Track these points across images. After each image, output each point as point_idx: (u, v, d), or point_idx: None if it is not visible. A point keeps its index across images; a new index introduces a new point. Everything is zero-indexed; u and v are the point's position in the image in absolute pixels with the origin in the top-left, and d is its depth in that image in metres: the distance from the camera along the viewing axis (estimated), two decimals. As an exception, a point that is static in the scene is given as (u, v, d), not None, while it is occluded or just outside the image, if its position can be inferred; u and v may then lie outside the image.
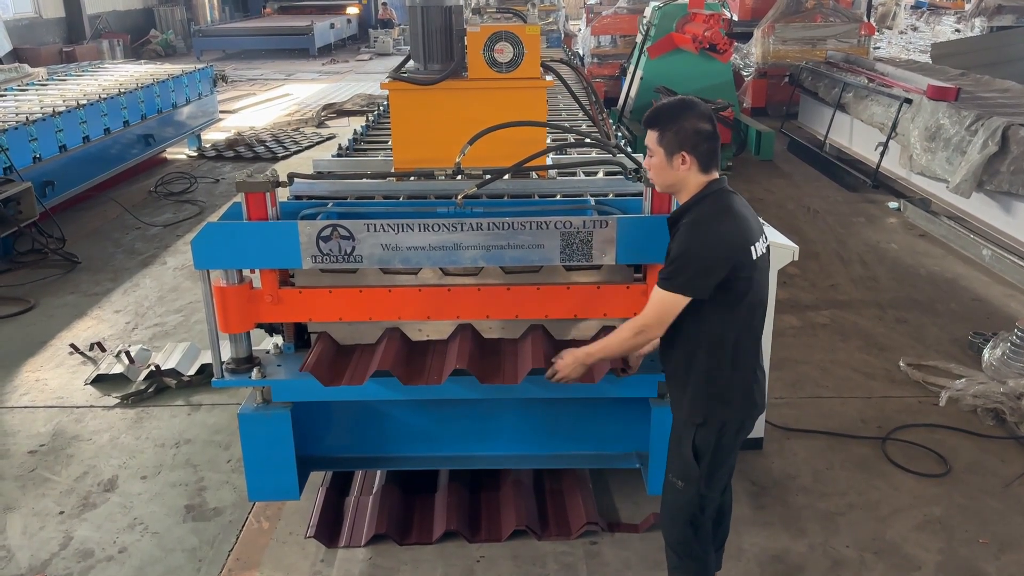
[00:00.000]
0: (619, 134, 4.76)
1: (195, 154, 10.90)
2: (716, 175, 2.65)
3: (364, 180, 3.79)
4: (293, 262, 3.14)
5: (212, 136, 11.58)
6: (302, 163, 10.03)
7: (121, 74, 10.27)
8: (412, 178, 3.75)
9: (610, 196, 3.50)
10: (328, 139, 11.46)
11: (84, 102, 8.29)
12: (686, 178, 2.62)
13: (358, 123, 6.48)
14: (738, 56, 12.64)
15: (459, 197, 3.17)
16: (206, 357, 5.03)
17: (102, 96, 8.62)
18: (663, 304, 2.59)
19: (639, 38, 10.87)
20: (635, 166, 3.39)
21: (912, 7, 25.00)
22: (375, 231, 3.09)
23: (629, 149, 3.91)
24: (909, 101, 7.84)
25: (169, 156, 10.65)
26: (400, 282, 3.31)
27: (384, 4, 25.42)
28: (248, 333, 3.35)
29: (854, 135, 9.23)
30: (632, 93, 10.50)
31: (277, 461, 3.34)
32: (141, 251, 7.31)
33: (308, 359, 3.23)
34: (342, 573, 3.36)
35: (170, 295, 6.30)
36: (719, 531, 2.99)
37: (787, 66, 11.41)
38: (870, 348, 5.23)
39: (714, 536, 2.97)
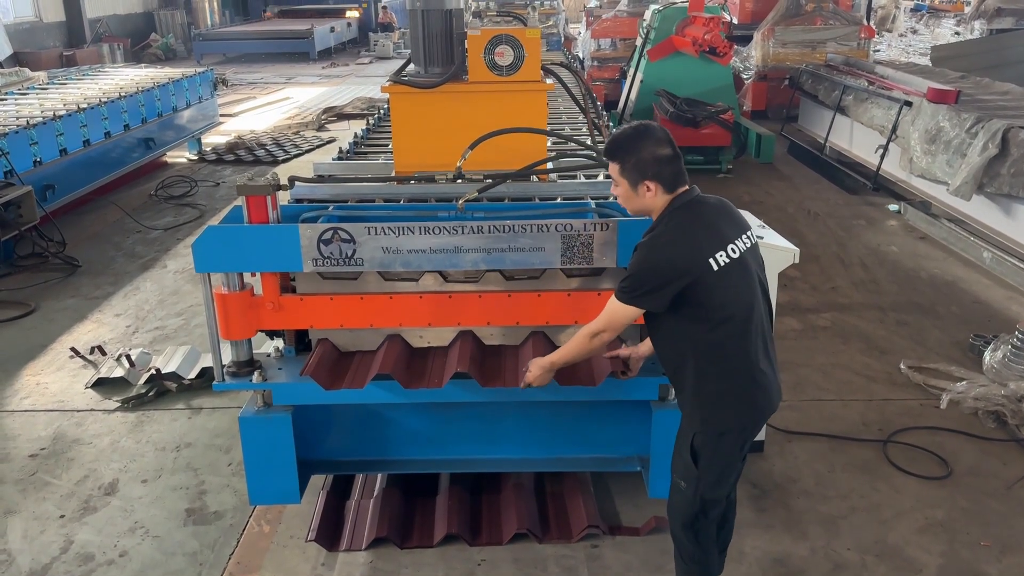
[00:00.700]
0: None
1: (195, 158, 10.91)
2: (683, 188, 2.67)
3: (365, 183, 3.79)
4: (294, 265, 3.14)
5: (212, 140, 11.59)
6: (303, 166, 10.03)
7: (121, 78, 10.28)
8: (413, 181, 3.75)
9: (611, 199, 3.50)
10: (328, 143, 11.47)
11: (84, 106, 8.29)
12: (653, 203, 2.67)
13: (358, 126, 6.49)
14: (738, 59, 12.64)
15: (460, 202, 3.17)
16: (207, 361, 5.03)
17: (102, 100, 8.62)
18: (614, 313, 2.69)
19: (639, 41, 10.89)
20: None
21: (912, 10, 25.04)
22: (376, 234, 3.09)
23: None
24: (909, 104, 7.85)
25: (169, 160, 10.65)
26: (401, 289, 3.30)
27: (384, 8, 25.45)
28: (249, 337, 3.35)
29: (854, 138, 9.23)
30: (632, 96, 10.51)
31: (278, 464, 3.34)
32: (142, 254, 7.32)
33: (308, 363, 3.23)
34: (343, 577, 3.36)
35: (171, 298, 6.30)
36: (722, 534, 2.99)
37: (787, 69, 11.42)
38: (871, 351, 5.22)
39: (716, 539, 2.97)
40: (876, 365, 5.04)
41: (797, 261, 3.90)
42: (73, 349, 5.41)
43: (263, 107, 14.81)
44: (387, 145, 4.71)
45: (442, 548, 3.47)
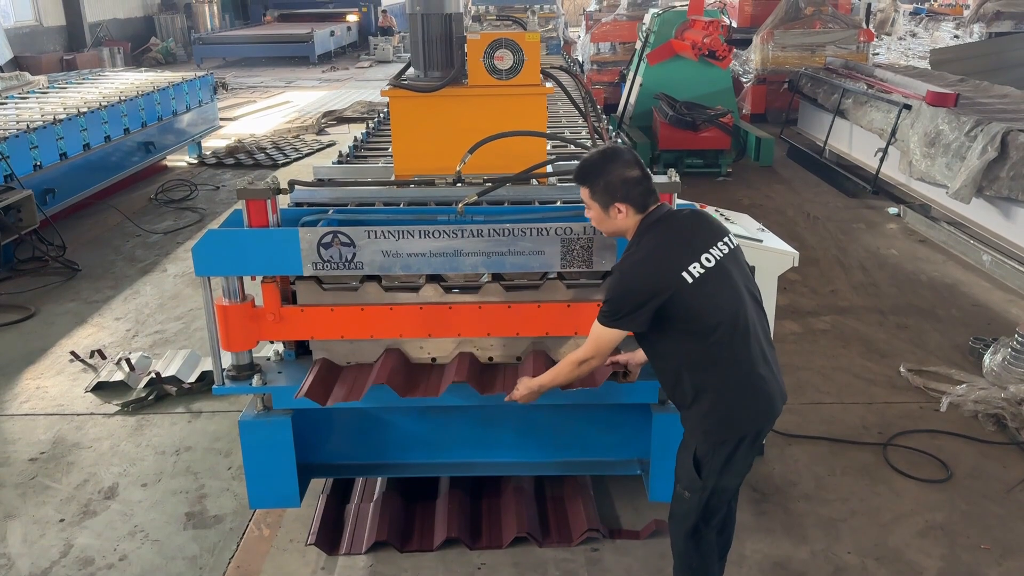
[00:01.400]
0: (619, 140, 4.76)
1: (195, 161, 10.91)
2: (654, 207, 2.69)
3: (365, 187, 3.79)
4: (294, 269, 3.14)
5: (212, 143, 11.59)
6: (302, 170, 10.04)
7: (121, 82, 10.29)
8: (412, 185, 3.75)
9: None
10: (328, 146, 11.48)
11: (85, 110, 8.30)
12: (626, 224, 2.69)
13: (358, 130, 6.49)
14: (737, 62, 12.66)
15: (460, 205, 3.17)
16: (207, 364, 5.03)
17: (102, 104, 8.63)
18: (599, 338, 2.70)
19: (639, 45, 10.91)
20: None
21: (911, 13, 25.06)
22: (376, 238, 3.09)
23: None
24: (908, 107, 7.85)
25: (169, 163, 10.66)
26: (401, 300, 3.29)
27: (384, 11, 25.48)
28: (249, 342, 3.35)
29: (853, 141, 9.24)
30: (632, 100, 10.53)
31: (278, 468, 3.33)
32: (141, 258, 7.32)
33: (304, 385, 3.22)
34: (343, 581, 3.36)
35: (170, 302, 6.30)
36: (721, 540, 2.98)
37: (786, 72, 11.44)
38: (871, 354, 5.22)
39: (717, 545, 2.97)
40: (876, 368, 5.04)
41: (796, 264, 3.91)
42: (73, 353, 5.41)
43: (263, 111, 14.82)
44: (387, 149, 4.71)
45: (442, 552, 3.47)
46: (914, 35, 22.91)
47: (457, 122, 3.67)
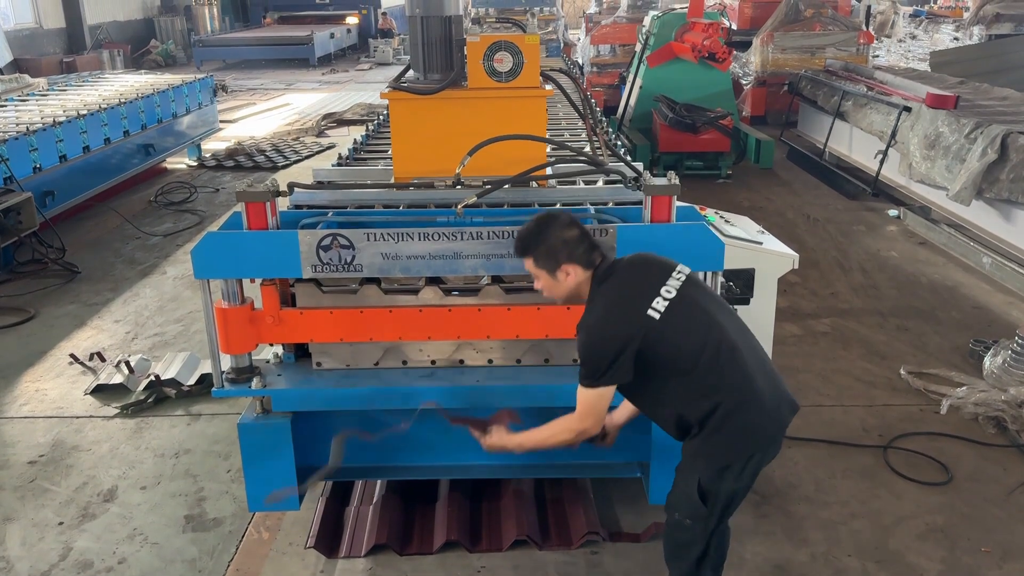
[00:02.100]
0: (618, 143, 4.75)
1: (195, 164, 10.91)
2: (599, 260, 2.70)
3: (364, 189, 3.79)
4: (293, 271, 3.14)
5: (212, 146, 11.59)
6: (302, 172, 10.04)
7: (121, 84, 10.29)
8: (412, 187, 3.75)
9: (610, 205, 3.50)
10: (328, 148, 11.48)
11: (84, 112, 8.30)
12: (577, 285, 2.70)
13: (358, 132, 6.49)
14: (737, 65, 12.66)
15: (459, 207, 3.17)
16: (206, 367, 5.02)
17: (102, 106, 8.63)
18: (590, 402, 2.66)
19: (638, 47, 10.92)
20: (634, 175, 3.39)
21: (911, 15, 25.07)
22: (375, 240, 3.09)
23: (628, 157, 3.91)
24: (908, 109, 7.85)
25: (169, 166, 10.66)
26: (401, 302, 3.29)
27: (384, 14, 25.49)
28: (248, 344, 3.34)
29: (853, 143, 9.24)
30: (632, 102, 10.53)
31: (277, 471, 3.33)
32: (141, 261, 7.31)
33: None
34: (342, 584, 3.35)
35: (170, 305, 6.30)
36: (717, 556, 2.96)
37: (786, 74, 11.44)
38: (871, 356, 5.22)
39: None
40: (876, 370, 5.03)
41: (796, 267, 3.91)
42: (72, 355, 5.40)
43: (263, 113, 14.82)
44: (387, 151, 4.71)
45: (442, 555, 3.46)
46: (914, 37, 22.93)
47: (456, 124, 3.67)
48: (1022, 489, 3.89)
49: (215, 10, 24.33)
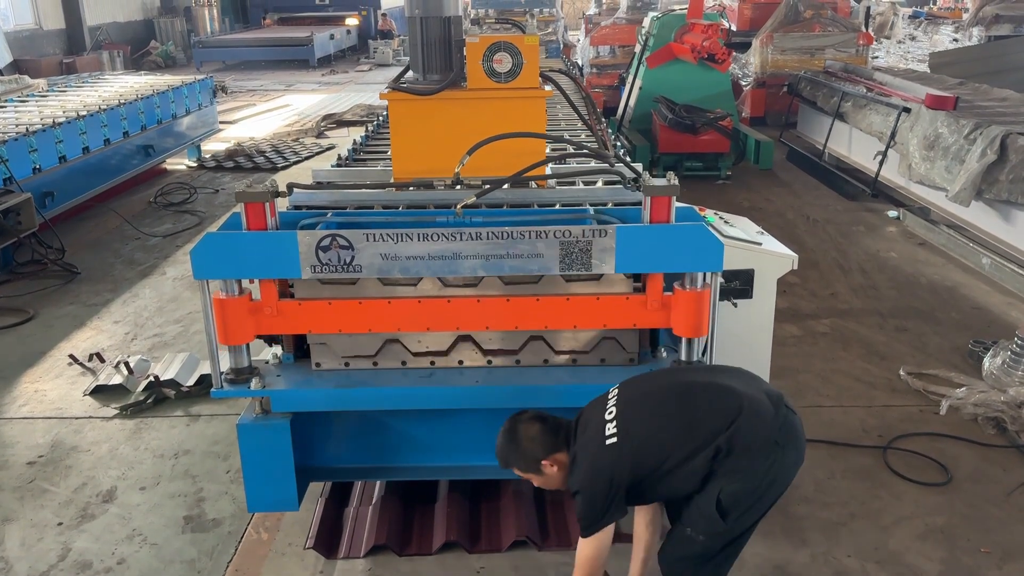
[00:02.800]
0: (618, 143, 4.75)
1: (195, 164, 10.92)
2: (566, 432, 2.80)
3: (363, 190, 3.79)
4: (292, 272, 3.13)
5: (212, 147, 11.60)
6: (302, 173, 10.04)
7: (121, 85, 10.29)
8: (411, 188, 3.75)
9: (609, 205, 3.50)
10: (328, 149, 11.48)
11: (84, 113, 8.31)
12: (562, 471, 2.80)
13: (357, 133, 6.49)
14: (737, 66, 12.67)
15: (458, 207, 3.17)
16: (205, 367, 5.02)
17: (102, 107, 8.63)
18: (596, 546, 2.73)
19: (638, 48, 10.92)
20: (634, 175, 3.39)
21: (910, 16, 25.09)
22: (374, 241, 3.09)
23: (628, 158, 3.91)
24: (908, 110, 7.86)
25: (169, 167, 10.66)
26: (400, 293, 3.30)
27: (384, 15, 25.50)
28: (247, 344, 3.34)
29: (853, 144, 9.24)
30: (631, 103, 10.53)
31: (276, 471, 3.32)
32: (140, 261, 7.32)
33: (311, 535, 3.45)
34: (341, 584, 3.35)
35: (169, 305, 6.30)
36: (726, 566, 2.92)
37: (786, 75, 11.44)
38: (871, 357, 5.22)
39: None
40: (876, 371, 5.03)
41: (796, 267, 3.91)
42: (72, 356, 5.40)
43: (262, 114, 14.83)
44: (386, 152, 4.71)
45: (441, 555, 3.46)
46: (913, 38, 22.95)
47: (456, 125, 3.66)
48: (1022, 490, 3.89)
49: (215, 11, 24.36)
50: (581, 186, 3.88)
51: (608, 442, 2.65)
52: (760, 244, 3.88)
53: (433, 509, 3.70)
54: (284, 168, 10.59)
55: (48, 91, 9.89)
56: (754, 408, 2.67)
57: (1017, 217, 6.36)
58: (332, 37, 22.88)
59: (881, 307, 6.00)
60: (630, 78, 10.84)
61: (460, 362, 3.43)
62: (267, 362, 3.48)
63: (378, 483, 3.83)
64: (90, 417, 4.71)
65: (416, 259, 3.11)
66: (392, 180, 3.85)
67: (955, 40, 20.31)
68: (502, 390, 3.31)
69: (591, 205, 3.49)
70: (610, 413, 2.72)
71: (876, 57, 17.29)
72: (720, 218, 4.06)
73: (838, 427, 4.43)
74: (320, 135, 12.63)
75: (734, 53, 11.04)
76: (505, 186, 3.44)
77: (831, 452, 4.19)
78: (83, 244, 7.74)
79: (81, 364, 5.32)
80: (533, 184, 3.80)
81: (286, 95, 17.04)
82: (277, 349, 3.52)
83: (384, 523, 3.56)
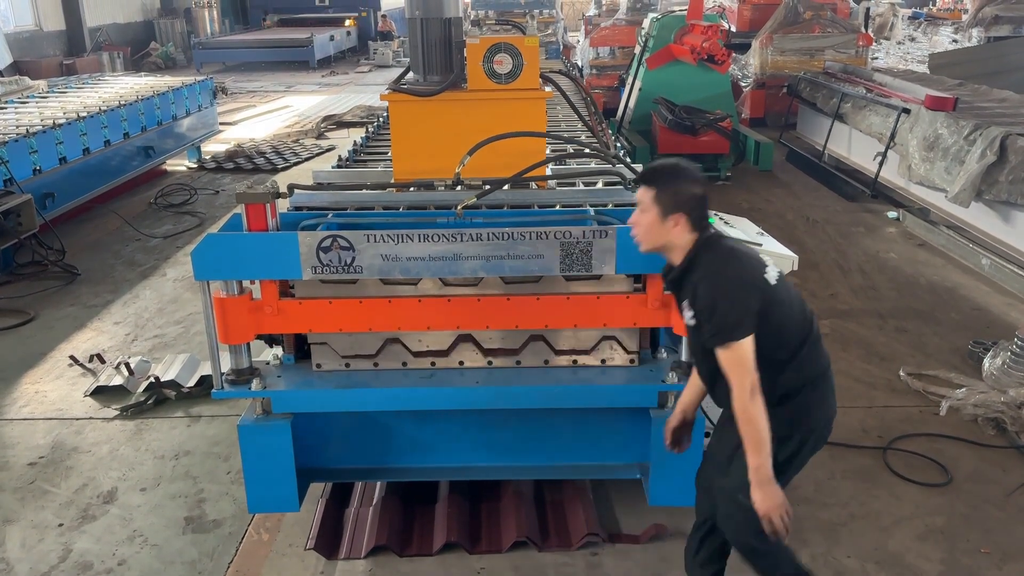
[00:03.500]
0: (618, 144, 4.76)
1: (195, 166, 10.92)
2: (704, 229, 2.69)
3: (364, 191, 3.79)
4: (293, 273, 3.14)
5: (212, 148, 11.61)
6: (302, 174, 10.04)
7: (121, 86, 10.30)
8: (412, 189, 3.76)
9: (609, 206, 3.51)
10: (328, 150, 11.49)
11: (84, 114, 8.31)
12: (676, 238, 2.65)
13: (358, 134, 6.49)
14: (736, 67, 12.68)
15: (459, 208, 3.18)
16: (206, 368, 5.03)
17: (102, 108, 8.64)
18: (736, 358, 2.53)
19: (638, 49, 10.92)
20: (634, 176, 3.40)
21: (910, 17, 25.09)
22: (375, 242, 3.09)
23: (628, 159, 3.91)
24: (907, 111, 7.86)
25: (169, 168, 10.67)
26: (400, 292, 3.31)
27: (384, 16, 25.51)
28: (248, 344, 3.35)
29: (853, 145, 9.25)
30: (631, 104, 10.53)
31: (277, 472, 3.33)
32: (141, 263, 7.32)
33: (312, 535, 3.46)
34: (342, 585, 3.35)
35: (170, 306, 6.30)
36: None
37: (785, 77, 11.44)
38: (870, 357, 5.22)
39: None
40: (876, 372, 5.04)
41: (796, 268, 3.91)
42: (72, 357, 5.40)
43: (263, 115, 14.83)
44: (386, 153, 4.71)
45: (441, 556, 3.46)
46: (913, 39, 22.96)
47: (456, 126, 3.67)
48: (1021, 490, 3.90)
49: (215, 12, 24.36)
50: (581, 187, 3.89)
51: (765, 275, 2.60)
52: (761, 245, 3.88)
53: (433, 510, 3.70)
54: (284, 169, 10.59)
55: (48, 92, 9.89)
56: (833, 398, 2.80)
57: (1016, 218, 6.37)
58: (332, 38, 22.89)
59: (881, 308, 6.00)
60: (630, 79, 10.84)
61: (460, 363, 3.43)
62: (268, 363, 3.48)
63: (379, 484, 3.83)
64: (91, 418, 4.71)
65: (417, 260, 3.12)
66: (393, 181, 3.86)
67: (955, 41, 20.32)
68: (502, 391, 3.32)
69: (591, 206, 3.49)
70: (772, 270, 2.64)
71: (876, 58, 17.31)
72: (720, 219, 4.07)
73: (838, 428, 4.37)
74: (320, 136, 12.63)
75: (734, 54, 11.04)
76: (505, 187, 3.44)
77: (831, 453, 4.19)
78: (83, 245, 7.74)
79: (81, 365, 5.32)
80: (533, 185, 3.81)
81: (286, 96, 17.05)
82: (278, 350, 3.52)
83: (385, 524, 3.56)
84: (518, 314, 3.29)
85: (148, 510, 3.87)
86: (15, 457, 4.34)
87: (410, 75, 4.00)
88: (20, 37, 18.30)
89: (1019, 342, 4.73)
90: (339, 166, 4.58)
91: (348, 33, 24.47)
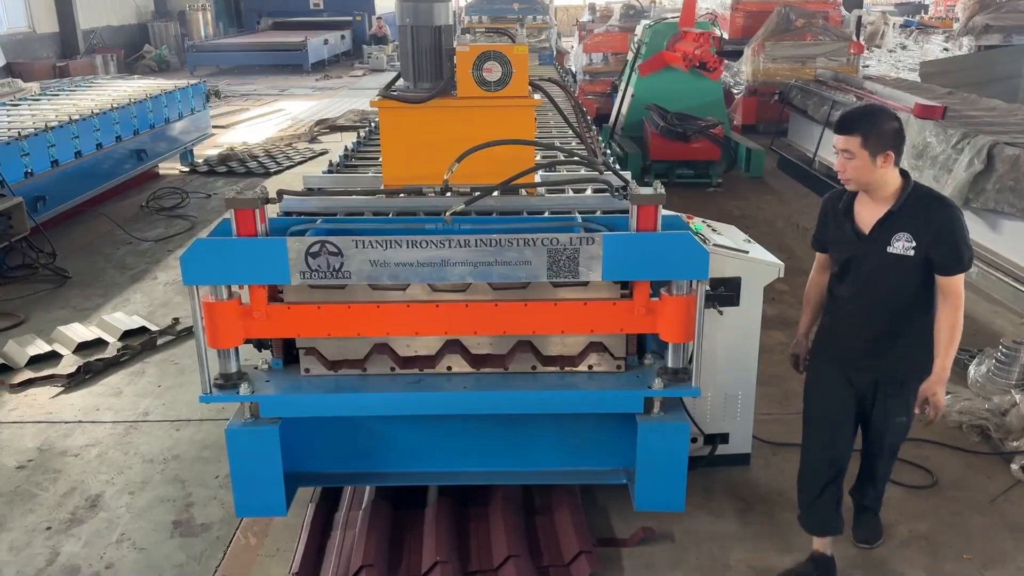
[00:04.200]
0: (607, 151, 4.79)
1: (187, 169, 10.92)
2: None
3: (354, 197, 3.81)
4: (282, 278, 3.15)
5: (205, 151, 11.60)
6: (294, 178, 10.04)
7: (114, 89, 10.29)
8: (401, 195, 3.77)
9: (597, 213, 3.53)
10: (320, 154, 11.50)
11: (77, 117, 8.31)
12: (885, 175, 2.93)
13: (350, 139, 6.51)
14: (728, 74, 12.73)
15: (447, 214, 3.19)
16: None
17: (95, 111, 8.64)
18: (960, 283, 2.96)
19: (630, 56, 10.97)
20: (621, 184, 3.42)
21: (901, 26, 25.25)
22: (363, 247, 3.11)
23: (617, 167, 3.94)
24: (896, 119, 7.90)
25: (161, 171, 10.66)
26: (389, 298, 3.33)
27: (379, 19, 25.52)
28: (237, 349, 3.36)
29: (843, 152, 9.28)
30: (623, 110, 10.58)
31: (265, 477, 3.34)
32: (132, 266, 7.32)
33: (296, 560, 3.40)
34: (329, 589, 3.35)
35: (160, 310, 6.30)
36: None
37: (777, 84, 11.51)
38: (857, 364, 5.24)
39: None
40: (862, 379, 5.06)
41: (782, 275, 3.94)
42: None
43: (256, 119, 14.84)
44: (378, 158, 4.73)
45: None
46: (904, 48, 23.09)
47: (446, 133, 3.69)
48: (1005, 497, 3.93)
49: (209, 15, 24.36)
50: (570, 194, 3.91)
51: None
52: (747, 252, 3.91)
53: (423, 515, 3.67)
54: (277, 173, 10.60)
55: (41, 95, 9.89)
56: None
57: (1003, 226, 6.42)
58: (326, 42, 22.89)
59: (869, 315, 6.02)
60: (622, 86, 10.89)
61: (449, 368, 3.45)
62: (256, 368, 3.49)
63: (367, 488, 3.83)
64: (79, 422, 4.71)
65: (405, 266, 3.13)
66: (382, 187, 3.88)
67: (946, 49, 20.44)
68: (489, 396, 3.33)
69: (579, 213, 3.51)
70: None
71: (867, 66, 17.41)
72: (708, 226, 4.10)
73: (824, 434, 4.44)
74: (313, 140, 12.64)
75: (726, 61, 11.08)
76: (494, 193, 3.47)
77: (817, 459, 4.21)
78: (74, 248, 7.74)
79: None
80: (522, 192, 3.83)
81: (280, 100, 17.05)
82: (266, 355, 3.53)
83: (372, 543, 3.46)
84: (506, 320, 3.31)
85: (136, 514, 3.87)
86: (3, 460, 4.34)
87: (400, 82, 4.02)
88: (13, 39, 18.28)
89: (1004, 350, 4.77)
90: (330, 171, 4.59)
91: (342, 37, 24.48)
